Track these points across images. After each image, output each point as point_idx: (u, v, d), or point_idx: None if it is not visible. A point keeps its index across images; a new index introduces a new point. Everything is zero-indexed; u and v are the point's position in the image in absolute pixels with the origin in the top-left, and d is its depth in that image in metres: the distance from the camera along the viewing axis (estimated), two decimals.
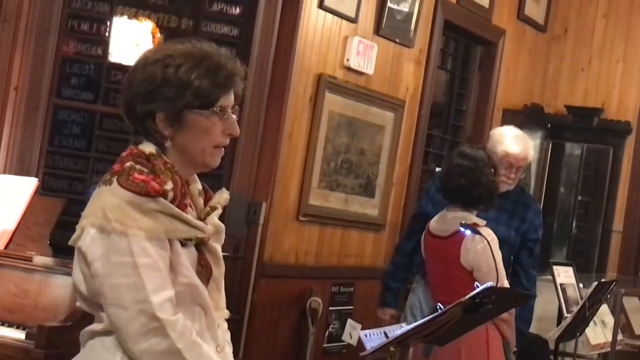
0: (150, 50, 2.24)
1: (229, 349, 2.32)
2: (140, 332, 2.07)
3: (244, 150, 4.98)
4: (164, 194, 2.12)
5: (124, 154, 2.22)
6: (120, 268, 2.08)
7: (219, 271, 2.25)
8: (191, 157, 2.22)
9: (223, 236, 2.32)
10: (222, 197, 2.33)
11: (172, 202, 2.14)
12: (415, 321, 4.40)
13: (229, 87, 2.21)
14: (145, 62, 2.21)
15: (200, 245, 2.22)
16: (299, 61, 5.08)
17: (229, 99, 2.23)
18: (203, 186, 2.33)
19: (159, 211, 2.11)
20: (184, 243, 2.17)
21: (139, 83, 2.19)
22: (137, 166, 2.15)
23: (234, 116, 2.24)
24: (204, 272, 2.21)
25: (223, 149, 2.25)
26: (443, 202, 4.50)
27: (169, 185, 2.14)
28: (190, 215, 2.20)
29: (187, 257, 2.18)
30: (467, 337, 3.66)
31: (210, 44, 2.25)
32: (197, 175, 2.32)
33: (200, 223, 2.20)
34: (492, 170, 4.11)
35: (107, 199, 2.11)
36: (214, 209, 2.28)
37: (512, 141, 4.70)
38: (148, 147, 2.20)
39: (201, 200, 2.29)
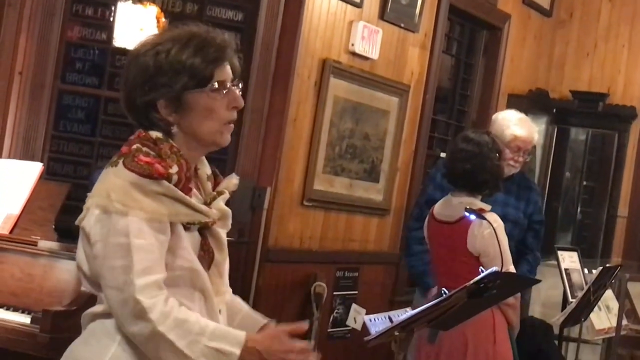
0: (139, 44, 2.26)
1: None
2: (131, 314, 2.08)
3: (249, 135, 4.97)
4: (168, 177, 2.12)
5: (132, 137, 2.23)
6: (117, 250, 2.08)
7: (221, 256, 2.25)
8: (200, 139, 2.23)
9: (229, 222, 2.32)
10: (231, 182, 2.33)
11: (176, 185, 2.14)
12: None
13: (221, 60, 2.21)
14: (137, 54, 2.22)
15: (204, 229, 2.22)
16: (303, 46, 5.06)
17: (226, 73, 2.23)
18: (213, 171, 2.34)
19: (162, 194, 2.12)
20: (186, 227, 2.18)
21: (134, 76, 2.21)
22: (144, 149, 2.17)
23: (235, 89, 2.24)
24: (206, 256, 2.21)
25: (232, 125, 2.25)
26: (449, 190, 4.52)
27: (174, 169, 2.15)
28: (195, 200, 2.20)
29: (189, 241, 2.18)
30: (473, 323, 3.67)
31: (197, 25, 2.26)
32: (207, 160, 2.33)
33: (204, 207, 2.20)
34: (497, 154, 4.10)
35: (112, 180, 2.13)
36: (220, 193, 2.28)
37: (518, 124, 4.73)
38: (155, 132, 2.21)
39: (209, 185, 2.30)
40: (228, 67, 2.24)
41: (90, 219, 2.14)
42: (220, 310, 2.27)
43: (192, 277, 2.17)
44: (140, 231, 2.09)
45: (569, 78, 7.61)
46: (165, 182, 2.12)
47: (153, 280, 2.08)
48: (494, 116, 5.02)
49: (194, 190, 2.24)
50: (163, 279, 2.10)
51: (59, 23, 4.90)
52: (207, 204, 2.24)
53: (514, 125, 4.71)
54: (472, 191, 4.07)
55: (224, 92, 2.21)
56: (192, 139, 2.22)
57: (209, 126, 2.21)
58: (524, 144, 4.67)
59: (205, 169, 2.32)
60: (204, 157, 2.32)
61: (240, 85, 2.27)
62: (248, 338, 2.11)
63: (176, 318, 2.07)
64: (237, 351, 2.07)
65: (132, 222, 2.08)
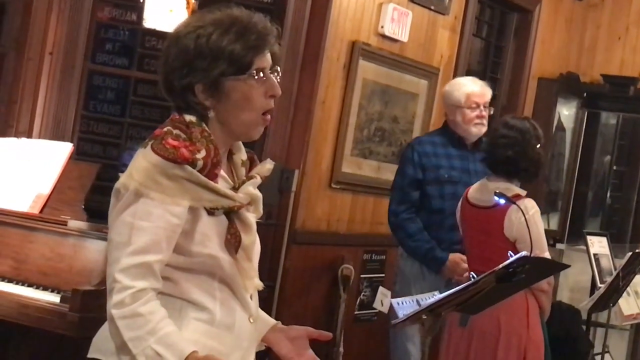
0: (180, 24, 2.25)
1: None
2: (108, 289, 2.10)
3: (277, 117, 4.97)
4: (192, 162, 2.12)
5: (168, 120, 2.23)
6: (121, 226, 2.10)
7: (249, 239, 2.23)
8: (233, 128, 2.22)
9: (260, 206, 2.30)
10: (264, 167, 2.32)
11: (201, 170, 2.13)
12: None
13: (262, 48, 2.19)
14: (177, 36, 2.21)
15: (231, 213, 2.22)
16: (333, 28, 5.05)
17: (265, 61, 2.21)
18: (251, 156, 2.33)
19: (185, 178, 2.12)
20: (210, 212, 2.17)
21: (173, 58, 2.19)
22: (175, 131, 2.16)
23: (273, 77, 2.22)
24: (233, 240, 2.20)
25: (269, 117, 2.23)
26: (432, 166, 4.55)
27: (200, 154, 2.14)
28: (223, 184, 2.20)
29: (214, 226, 2.18)
30: (506, 307, 3.66)
31: (240, 8, 2.24)
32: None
33: (229, 192, 2.19)
34: (538, 141, 4.07)
35: (139, 161, 2.14)
36: (250, 178, 2.28)
37: (467, 83, 4.78)
38: (189, 116, 2.21)
39: (243, 170, 2.29)
40: (268, 55, 2.22)
41: (115, 195, 2.16)
42: (251, 296, 2.26)
43: (213, 264, 2.16)
44: (148, 214, 2.09)
45: (600, 62, 7.54)
46: (188, 167, 2.12)
47: (141, 261, 2.08)
48: (444, 89, 4.98)
49: (224, 175, 2.23)
50: (160, 260, 2.10)
51: (90, 4, 4.92)
52: (236, 188, 2.24)
53: (463, 85, 4.74)
54: (510, 177, 4.05)
55: (262, 79, 2.20)
56: (226, 125, 2.22)
57: (246, 117, 2.20)
58: (479, 97, 4.67)
59: (241, 155, 2.31)
60: (240, 143, 2.31)
61: (279, 73, 2.25)
62: (192, 355, 2.06)
63: (134, 310, 2.06)
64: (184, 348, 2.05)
65: (143, 204, 2.10)
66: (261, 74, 2.20)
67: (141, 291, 2.07)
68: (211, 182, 2.15)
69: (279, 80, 2.26)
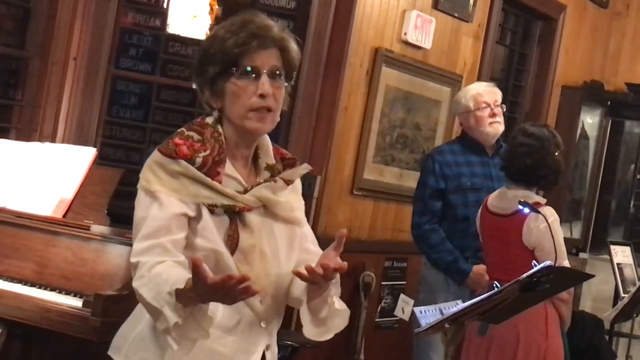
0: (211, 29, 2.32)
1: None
2: (132, 275, 2.16)
3: (300, 123, 4.97)
4: (190, 159, 2.17)
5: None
6: (139, 222, 2.18)
7: (248, 242, 2.22)
8: (234, 125, 2.26)
9: (279, 210, 2.28)
10: (295, 172, 2.34)
11: (200, 168, 2.18)
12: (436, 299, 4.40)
13: (248, 45, 2.20)
14: (203, 40, 2.33)
15: (233, 214, 2.21)
16: (356, 34, 5.04)
17: (257, 59, 2.21)
18: (292, 162, 2.34)
19: (181, 173, 2.17)
20: (211, 209, 2.19)
21: (194, 62, 2.30)
22: (188, 132, 2.23)
23: (264, 76, 2.21)
24: (229, 241, 2.21)
25: (269, 113, 2.23)
26: (453, 175, 4.53)
27: (204, 153, 2.19)
28: (230, 185, 2.21)
29: (216, 225, 2.20)
30: (526, 316, 3.63)
31: (260, 13, 2.28)
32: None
33: (229, 191, 2.20)
34: (558, 149, 4.05)
35: (148, 159, 2.23)
36: (267, 182, 2.27)
37: (473, 87, 4.78)
38: (209, 118, 2.27)
39: (267, 174, 2.30)
40: (266, 54, 2.22)
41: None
42: (261, 300, 2.25)
43: (217, 258, 2.18)
44: (158, 205, 2.16)
45: (624, 70, 7.50)
46: (183, 162, 2.17)
47: (150, 244, 2.13)
48: (453, 100, 4.98)
49: (235, 176, 2.24)
50: (172, 240, 2.14)
51: (114, 9, 4.93)
52: (247, 190, 2.24)
53: (469, 90, 4.74)
54: (529, 185, 4.03)
55: (250, 78, 2.21)
56: (230, 123, 2.26)
57: (235, 111, 2.24)
58: (487, 96, 4.65)
59: (267, 159, 2.32)
60: (268, 147, 2.33)
61: (283, 74, 2.24)
62: (190, 277, 2.04)
63: (151, 274, 2.10)
64: (181, 286, 2.03)
65: (152, 197, 2.16)
66: (250, 73, 2.20)
67: (157, 263, 2.11)
68: (208, 179, 2.19)
69: (287, 83, 2.26)
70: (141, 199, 2.19)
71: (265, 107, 2.22)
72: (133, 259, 2.14)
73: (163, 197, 2.16)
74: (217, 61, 2.21)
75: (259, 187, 2.25)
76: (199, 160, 2.18)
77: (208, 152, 2.19)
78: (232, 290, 1.95)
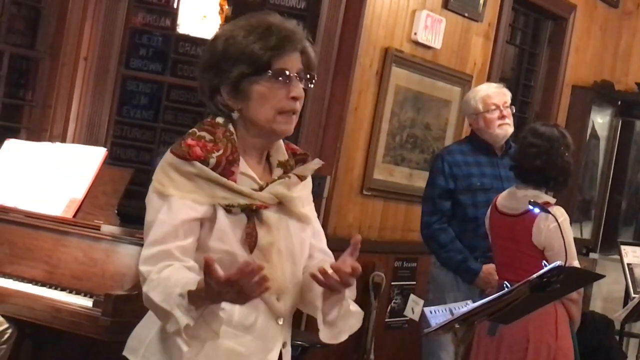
0: (219, 28, 2.29)
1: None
2: (141, 283, 2.15)
3: (310, 123, 4.97)
4: (204, 160, 2.16)
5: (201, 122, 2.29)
6: (148, 226, 2.17)
7: (266, 240, 2.22)
8: (259, 126, 2.24)
9: (294, 206, 2.28)
10: (307, 167, 2.33)
11: (214, 168, 2.17)
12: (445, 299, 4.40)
13: (281, 49, 2.20)
14: (213, 39, 2.26)
15: (251, 212, 2.21)
16: (366, 34, 5.04)
17: (287, 62, 2.22)
18: (303, 158, 2.34)
19: (196, 175, 2.16)
20: (228, 209, 2.18)
21: (204, 61, 2.26)
22: (200, 133, 2.22)
23: (295, 79, 2.22)
24: (248, 240, 2.20)
25: (294, 115, 2.24)
26: (463, 175, 4.55)
27: (217, 153, 2.18)
28: (245, 183, 2.21)
29: (233, 225, 2.19)
30: (535, 317, 3.63)
31: (274, 14, 2.26)
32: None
33: (245, 189, 2.20)
34: (568, 149, 4.04)
35: (160, 162, 2.22)
36: (281, 178, 2.27)
37: (481, 89, 4.78)
38: (219, 118, 2.26)
39: (280, 171, 2.29)
40: (294, 57, 2.23)
41: (147, 196, 2.23)
42: (278, 298, 2.25)
43: (232, 261, 2.16)
44: (167, 209, 2.15)
45: (635, 70, 7.48)
46: (197, 164, 2.16)
47: (157, 250, 2.12)
48: (463, 100, 4.98)
49: (250, 174, 2.24)
50: (179, 246, 2.13)
51: (124, 9, 4.94)
52: (263, 188, 2.24)
53: (478, 91, 4.74)
54: (539, 186, 4.02)
55: (282, 81, 2.21)
56: (252, 125, 2.24)
57: (263, 113, 2.22)
58: (496, 98, 4.65)
59: (278, 156, 2.32)
60: (280, 144, 2.33)
61: (308, 76, 2.25)
62: (201, 278, 2.04)
63: (160, 278, 2.09)
64: (192, 287, 2.03)
65: (163, 200, 2.15)
66: (281, 75, 2.20)
67: (166, 266, 2.11)
68: (224, 179, 2.18)
69: (311, 85, 2.26)
70: (153, 202, 2.18)
71: (294, 109, 2.23)
72: (141, 267, 2.13)
73: (175, 200, 2.15)
74: (242, 63, 2.19)
75: (275, 184, 2.25)
76: (212, 160, 2.17)
77: (221, 152, 2.19)
78: (247, 283, 1.94)
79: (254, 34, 2.20)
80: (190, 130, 2.24)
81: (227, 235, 2.18)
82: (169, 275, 2.08)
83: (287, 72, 2.21)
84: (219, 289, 1.95)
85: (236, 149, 2.21)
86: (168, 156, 2.19)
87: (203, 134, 2.21)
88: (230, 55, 2.20)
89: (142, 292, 2.13)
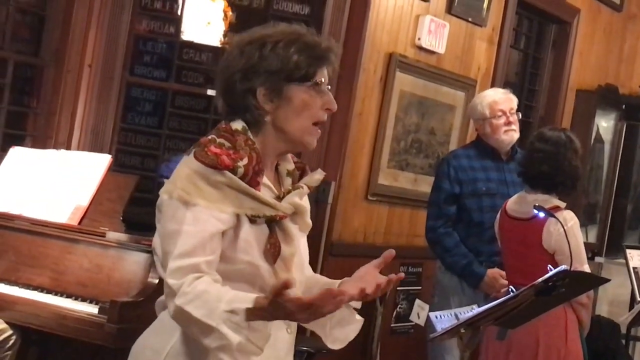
0: (245, 34, 2.29)
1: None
2: (165, 294, 2.11)
3: None
4: (233, 169, 2.13)
5: (214, 128, 2.26)
6: (170, 235, 2.12)
7: (288, 250, 2.22)
8: (289, 135, 2.23)
9: (306, 217, 2.29)
10: (313, 177, 2.33)
11: (242, 178, 2.14)
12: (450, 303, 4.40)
13: (324, 62, 2.24)
14: (241, 42, 2.25)
15: (273, 223, 2.21)
16: (370, 40, 5.05)
17: (324, 75, 2.25)
18: (302, 166, 2.34)
19: (226, 184, 2.13)
20: (252, 220, 2.17)
21: (237, 61, 2.22)
22: (219, 140, 2.19)
23: (329, 92, 2.26)
24: (272, 250, 2.20)
25: (319, 130, 2.26)
26: (469, 180, 4.56)
27: (242, 162, 2.15)
28: (268, 193, 2.20)
29: (255, 235, 2.18)
30: (545, 321, 3.62)
31: (301, 25, 2.29)
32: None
33: (271, 201, 2.19)
34: (575, 154, 4.03)
35: (182, 168, 2.17)
36: (296, 188, 2.28)
37: (488, 94, 4.78)
38: (236, 124, 2.23)
39: (289, 180, 2.30)
40: (326, 71, 2.26)
41: (161, 203, 2.18)
42: None
43: (254, 272, 2.16)
44: (193, 219, 2.11)
45: (639, 73, 7.47)
46: (228, 173, 2.13)
47: (187, 263, 2.08)
48: (469, 105, 4.99)
49: (268, 184, 2.23)
50: (207, 261, 2.10)
51: (128, 16, 4.95)
52: (281, 198, 2.24)
53: (485, 97, 4.73)
54: (547, 190, 4.01)
55: (321, 92, 2.23)
56: (281, 132, 2.24)
57: (301, 122, 2.22)
58: (503, 104, 4.65)
59: (287, 165, 2.32)
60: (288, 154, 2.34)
61: (329, 88, 2.28)
62: (257, 299, 2.03)
63: (196, 291, 2.06)
64: (249, 304, 2.01)
65: (190, 210, 2.11)
66: (321, 86, 2.23)
67: (195, 278, 2.07)
68: (252, 189, 2.16)
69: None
70: (175, 210, 2.12)
71: (324, 121, 2.26)
72: (170, 280, 2.08)
73: (200, 210, 2.11)
74: (288, 68, 2.19)
75: (292, 194, 2.25)
76: (240, 170, 2.14)
77: (246, 161, 2.16)
78: (328, 305, 1.97)
79: (297, 43, 2.21)
80: (208, 137, 2.20)
81: (251, 246, 2.17)
82: (206, 289, 2.06)
83: (322, 84, 2.23)
84: (297, 310, 1.97)
85: (261, 159, 2.20)
86: (194, 164, 2.14)
87: (222, 141, 2.18)
88: (271, 60, 2.20)
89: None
